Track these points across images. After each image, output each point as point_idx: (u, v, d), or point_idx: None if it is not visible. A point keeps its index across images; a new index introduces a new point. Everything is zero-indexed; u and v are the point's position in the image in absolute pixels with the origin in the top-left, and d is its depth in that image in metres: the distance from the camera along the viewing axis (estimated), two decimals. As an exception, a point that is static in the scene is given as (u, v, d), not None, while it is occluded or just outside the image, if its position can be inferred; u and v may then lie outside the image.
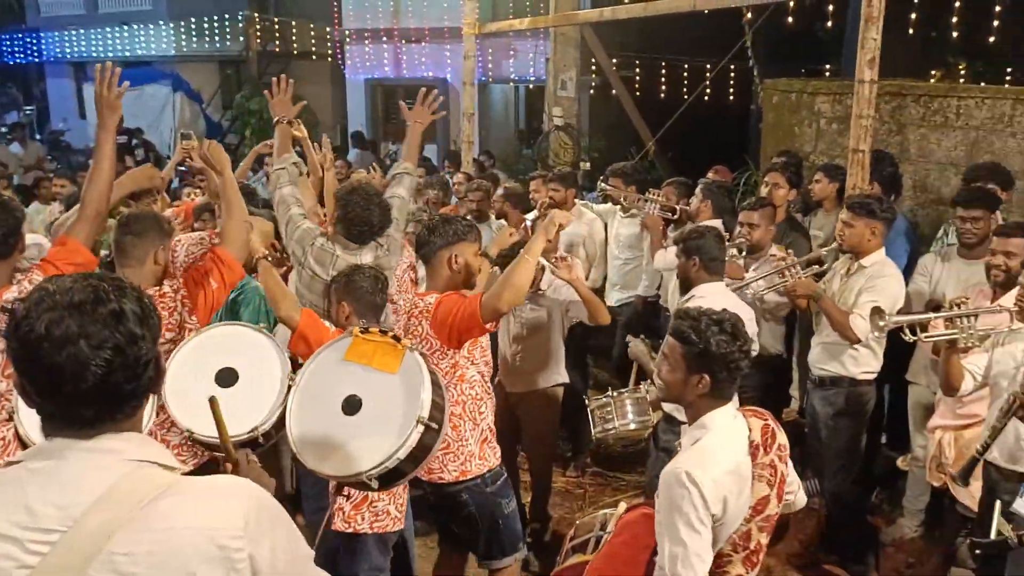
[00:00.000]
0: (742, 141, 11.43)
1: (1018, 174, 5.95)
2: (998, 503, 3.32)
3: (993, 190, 4.95)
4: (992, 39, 10.00)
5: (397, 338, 2.98)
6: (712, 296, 4.11)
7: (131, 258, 3.49)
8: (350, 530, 3.43)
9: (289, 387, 3.05)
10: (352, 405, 2.88)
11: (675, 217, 5.93)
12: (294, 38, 19.00)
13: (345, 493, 3.29)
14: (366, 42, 16.71)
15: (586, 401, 4.56)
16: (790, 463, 2.77)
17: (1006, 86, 9.45)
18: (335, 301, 3.65)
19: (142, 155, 15.25)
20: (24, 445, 2.88)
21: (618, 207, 6.52)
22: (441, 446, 2.99)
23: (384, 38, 16.45)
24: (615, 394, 4.46)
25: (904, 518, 5.17)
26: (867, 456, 4.88)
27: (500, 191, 6.95)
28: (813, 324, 4.76)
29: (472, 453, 3.65)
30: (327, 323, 3.63)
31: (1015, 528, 2.68)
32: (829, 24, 9.25)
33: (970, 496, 4.14)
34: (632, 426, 4.37)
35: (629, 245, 6.48)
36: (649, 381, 4.34)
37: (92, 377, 1.44)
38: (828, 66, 13.32)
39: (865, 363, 4.52)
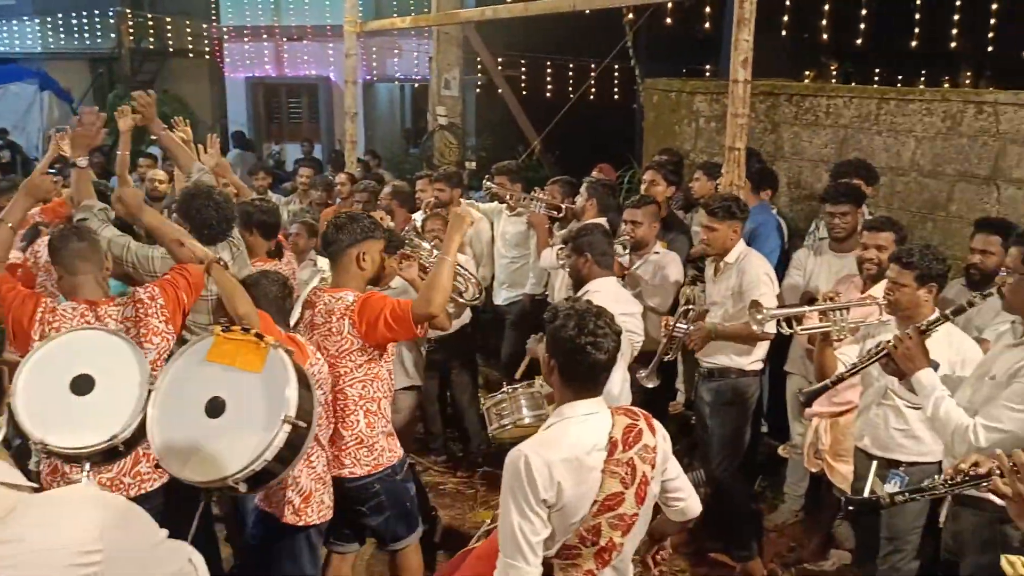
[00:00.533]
0: (627, 140, 11.62)
1: (884, 170, 6.24)
2: (874, 463, 3.48)
3: (859, 185, 5.15)
4: (859, 41, 10.46)
5: (260, 336, 2.94)
6: (605, 290, 4.23)
7: (88, 265, 3.48)
8: (301, 523, 3.49)
9: (149, 392, 2.97)
10: (216, 407, 2.83)
11: (560, 216, 5.97)
12: (169, 35, 18.36)
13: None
14: (246, 40, 16.32)
15: (481, 401, 4.55)
16: (673, 469, 2.74)
17: (874, 86, 9.89)
18: None
19: (8, 157, 14.47)
20: None
21: (504, 206, 6.53)
22: (311, 444, 3.01)
23: (264, 36, 16.11)
24: (510, 390, 4.46)
25: (785, 504, 5.35)
26: (749, 445, 5.01)
27: (387, 189, 6.90)
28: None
29: (384, 447, 3.76)
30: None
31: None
32: (707, 25, 9.49)
33: (844, 480, 4.31)
34: (527, 420, 4.38)
35: (516, 244, 6.49)
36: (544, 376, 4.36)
37: None
38: (708, 66, 13.71)
39: (752, 354, 4.65)
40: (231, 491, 2.83)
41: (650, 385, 4.68)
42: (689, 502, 2.81)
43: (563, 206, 6.01)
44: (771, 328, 4.33)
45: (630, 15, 9.61)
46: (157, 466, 2.92)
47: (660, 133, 7.91)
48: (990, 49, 10.97)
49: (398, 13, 13.92)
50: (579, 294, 4.31)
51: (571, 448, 2.53)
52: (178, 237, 3.70)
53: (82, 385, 2.95)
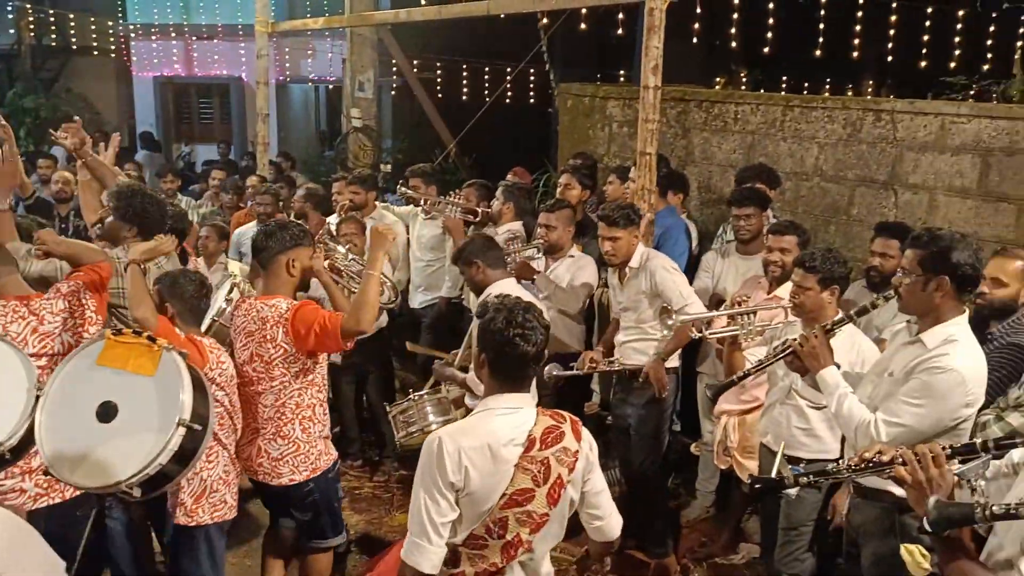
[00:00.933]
0: (543, 143, 11.71)
1: (789, 175, 6.43)
2: (782, 445, 3.56)
3: (763, 189, 5.31)
4: (767, 49, 10.74)
5: (153, 339, 2.91)
6: (506, 291, 4.21)
7: (5, 268, 3.43)
8: (192, 523, 3.52)
9: (37, 397, 2.90)
10: (108, 412, 2.80)
11: (476, 219, 5.99)
12: (73, 32, 17.72)
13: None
14: (154, 38, 15.89)
15: (387, 409, 4.53)
16: (597, 484, 2.75)
17: (780, 93, 10.19)
18: (158, 302, 3.67)
19: None
20: None
21: (419, 209, 6.51)
22: (208, 446, 3.04)
23: (173, 34, 15.71)
24: (415, 397, 4.48)
25: (697, 500, 5.48)
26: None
27: (300, 192, 6.83)
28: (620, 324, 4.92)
29: (320, 451, 3.85)
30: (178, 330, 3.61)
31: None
32: (620, 31, 9.61)
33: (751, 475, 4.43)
34: (434, 427, 4.38)
35: (431, 247, 6.49)
36: (449, 381, 4.39)
37: None
38: (623, 72, 13.91)
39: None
40: (126, 495, 2.81)
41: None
42: (607, 523, 2.80)
43: (479, 210, 6.03)
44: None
45: (544, 19, 9.69)
46: (47, 473, 2.82)
47: (574, 137, 8.00)
48: (890, 59, 11.40)
49: (312, 14, 13.76)
50: (481, 299, 4.35)
51: (487, 437, 2.58)
52: (98, 259, 3.63)
53: None
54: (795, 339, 3.41)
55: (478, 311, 2.73)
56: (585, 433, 2.74)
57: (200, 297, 3.74)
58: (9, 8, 17.28)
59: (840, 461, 2.73)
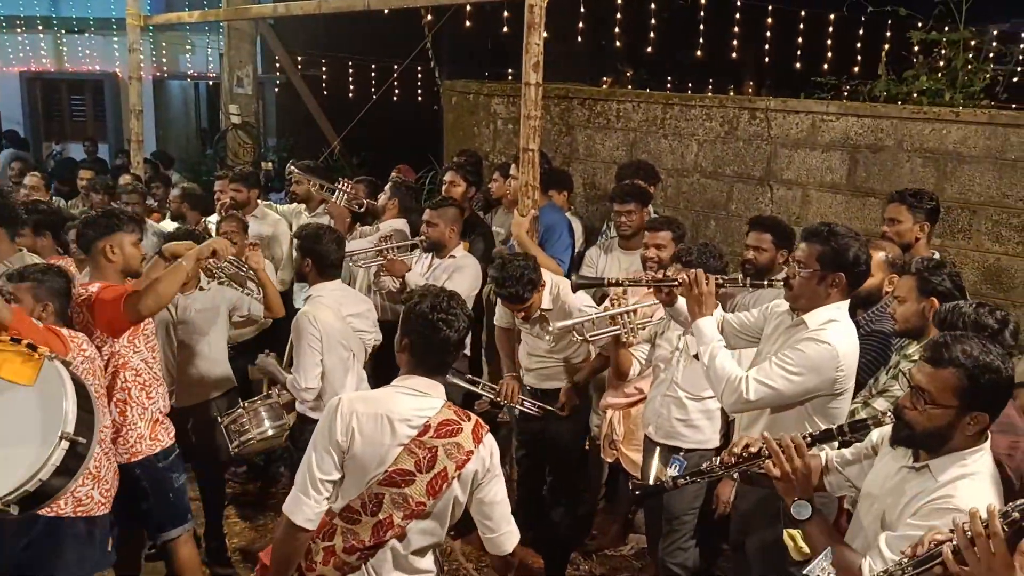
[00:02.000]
0: (430, 141, 11.64)
1: (670, 172, 6.57)
2: (658, 449, 3.78)
3: (643, 185, 5.38)
4: (650, 49, 10.94)
5: (34, 346, 2.76)
6: (328, 294, 4.29)
7: None
8: (52, 514, 3.34)
9: None
10: None
11: (361, 209, 5.90)
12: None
13: None
14: (19, 31, 15.09)
15: (219, 419, 4.41)
16: (493, 494, 2.74)
17: (661, 91, 10.40)
18: (34, 301, 3.56)
19: None
20: None
21: (303, 207, 6.39)
22: (94, 460, 2.93)
23: (41, 27, 14.94)
24: (247, 404, 4.37)
25: (587, 494, 5.51)
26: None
27: (175, 191, 6.61)
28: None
29: (142, 435, 3.84)
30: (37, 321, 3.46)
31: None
32: (506, 29, 9.62)
33: (637, 467, 4.49)
34: (270, 432, 4.33)
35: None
36: (280, 386, 4.32)
37: None
38: (511, 70, 13.96)
39: None
40: (2, 514, 2.64)
41: None
42: (499, 539, 2.78)
43: (364, 202, 5.94)
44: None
45: (429, 16, 9.63)
46: None
47: (460, 134, 7.98)
48: (767, 60, 11.77)
49: (189, 8, 13.33)
50: (304, 296, 4.41)
51: (383, 409, 2.65)
52: None
53: None
54: (689, 271, 3.36)
55: (405, 296, 2.83)
56: (488, 439, 2.74)
57: (68, 292, 3.67)
58: None
59: (713, 460, 2.80)
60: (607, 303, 4.18)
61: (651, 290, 4.04)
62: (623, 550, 5.13)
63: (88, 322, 3.68)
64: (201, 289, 4.58)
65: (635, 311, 4.09)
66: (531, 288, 4.27)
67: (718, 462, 2.75)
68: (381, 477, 2.61)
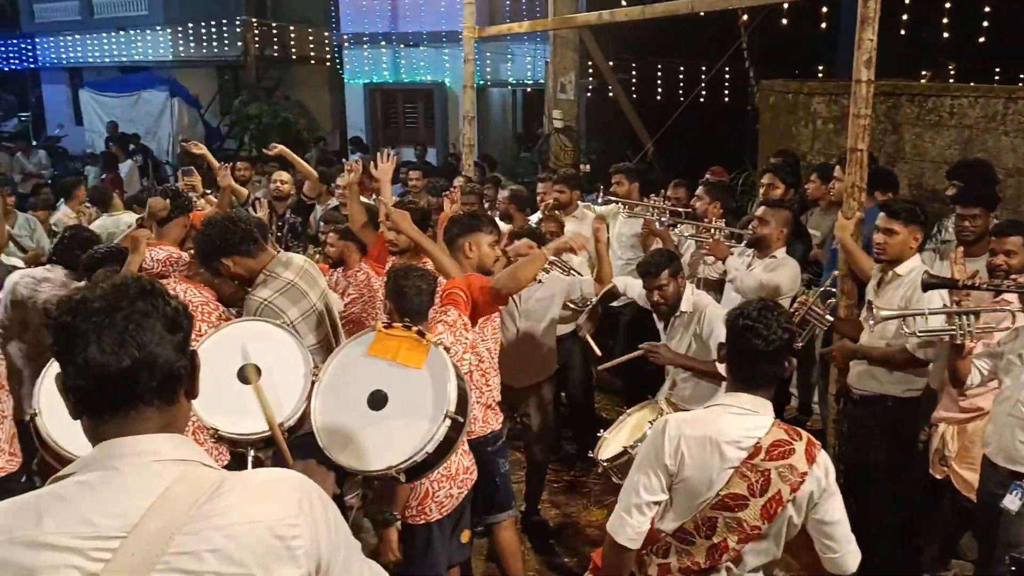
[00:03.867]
0: (739, 141, 11.53)
1: (1010, 171, 6.08)
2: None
3: (990, 189, 5.01)
4: (983, 40, 10.13)
5: (422, 333, 3.04)
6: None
7: None
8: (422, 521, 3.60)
9: (313, 383, 3.11)
10: (377, 400, 2.94)
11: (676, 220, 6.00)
12: (292, 43, 19.01)
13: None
14: (364, 46, 16.72)
15: (603, 464, 4.14)
16: (832, 513, 2.63)
17: (996, 85, 9.58)
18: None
19: (140, 161, 15.29)
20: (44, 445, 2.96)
21: (621, 207, 6.59)
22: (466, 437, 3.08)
23: (382, 42, 16.46)
24: (632, 445, 4.02)
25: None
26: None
27: (505, 193, 7.02)
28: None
29: (475, 417, 3.89)
30: None
31: None
32: (824, 25, 9.35)
33: (969, 487, 4.23)
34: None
35: (631, 245, 6.55)
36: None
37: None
38: (820, 67, 13.45)
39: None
40: (392, 480, 2.94)
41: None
42: (842, 558, 2.65)
43: (678, 208, 6.05)
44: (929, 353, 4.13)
45: (745, 16, 9.56)
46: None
47: (776, 134, 7.87)
48: None
49: (511, 18, 14.10)
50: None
51: (711, 431, 2.59)
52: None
53: (250, 375, 3.05)
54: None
55: (730, 311, 2.79)
56: (821, 457, 2.62)
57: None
58: (237, 23, 18.74)
59: None
60: (945, 301, 3.93)
61: (999, 297, 3.80)
62: None
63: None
64: (539, 281, 4.89)
65: (977, 315, 3.82)
66: (909, 216, 4.23)
67: None
68: (713, 501, 2.57)
